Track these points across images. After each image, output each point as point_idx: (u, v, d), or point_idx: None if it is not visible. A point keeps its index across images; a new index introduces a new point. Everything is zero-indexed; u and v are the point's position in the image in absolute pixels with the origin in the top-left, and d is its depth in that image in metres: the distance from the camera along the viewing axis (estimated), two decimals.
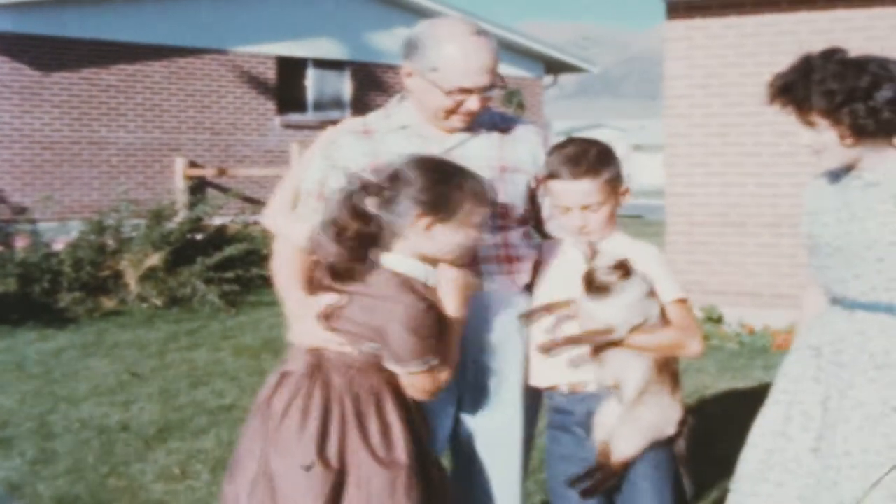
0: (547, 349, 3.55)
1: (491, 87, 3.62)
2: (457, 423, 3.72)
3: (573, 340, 3.53)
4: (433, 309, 3.22)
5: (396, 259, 3.28)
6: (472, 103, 3.59)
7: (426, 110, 3.67)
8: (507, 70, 24.13)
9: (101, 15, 18.91)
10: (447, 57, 3.54)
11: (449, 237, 3.29)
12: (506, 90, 24.22)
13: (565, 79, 28.85)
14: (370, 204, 3.27)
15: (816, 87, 3.42)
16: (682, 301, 3.66)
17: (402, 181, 3.28)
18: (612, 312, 3.46)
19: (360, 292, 3.25)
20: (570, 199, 3.58)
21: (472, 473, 3.75)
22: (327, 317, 3.32)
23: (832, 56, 3.50)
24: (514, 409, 3.77)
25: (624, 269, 3.43)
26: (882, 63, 3.47)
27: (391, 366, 3.21)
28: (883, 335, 3.50)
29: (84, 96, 18.91)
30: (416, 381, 3.24)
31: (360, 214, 3.26)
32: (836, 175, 3.66)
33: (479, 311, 3.59)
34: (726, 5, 11.19)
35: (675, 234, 11.63)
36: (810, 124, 3.49)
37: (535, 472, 5.26)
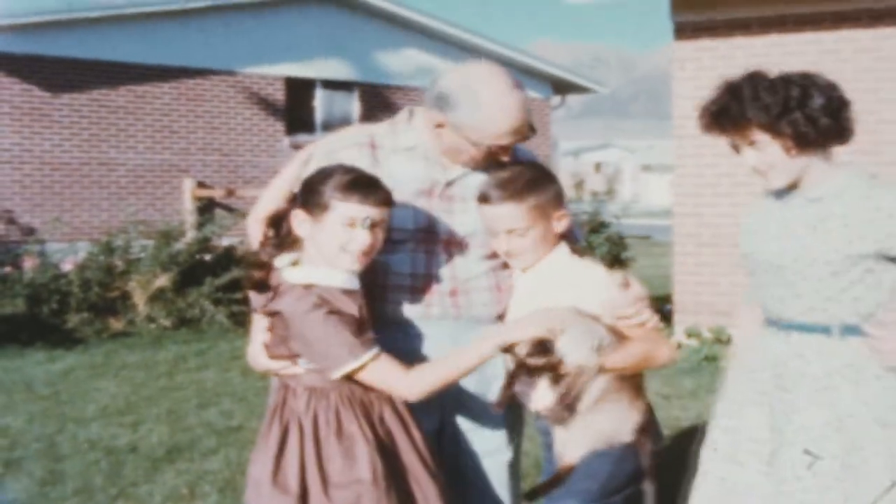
0: (559, 419, 3.51)
1: (523, 138, 3.58)
2: (441, 446, 3.67)
3: (567, 398, 3.46)
4: (337, 311, 3.21)
5: (297, 271, 3.30)
6: (503, 157, 3.57)
7: (450, 154, 3.62)
8: None
9: (110, 36, 18.95)
10: (483, 119, 3.45)
11: (317, 233, 3.29)
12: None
13: (573, 99, 28.85)
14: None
15: (751, 102, 3.41)
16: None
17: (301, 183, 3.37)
18: (573, 355, 3.40)
19: (276, 310, 3.27)
20: (494, 224, 3.57)
21: (464, 497, 3.71)
22: (267, 343, 3.37)
23: (756, 75, 3.49)
24: (499, 427, 3.78)
25: (542, 346, 3.32)
26: (803, 75, 3.47)
27: (332, 374, 3.22)
28: (820, 358, 3.50)
29: (93, 117, 18.94)
30: (372, 378, 3.23)
31: (274, 219, 3.36)
32: (778, 194, 3.64)
33: (464, 335, 3.59)
34: (733, 26, 11.21)
35: (683, 255, 11.61)
36: (752, 144, 3.47)
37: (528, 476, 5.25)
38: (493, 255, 3.69)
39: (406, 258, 3.57)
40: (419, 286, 3.61)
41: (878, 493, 3.40)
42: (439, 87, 3.53)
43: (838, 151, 3.57)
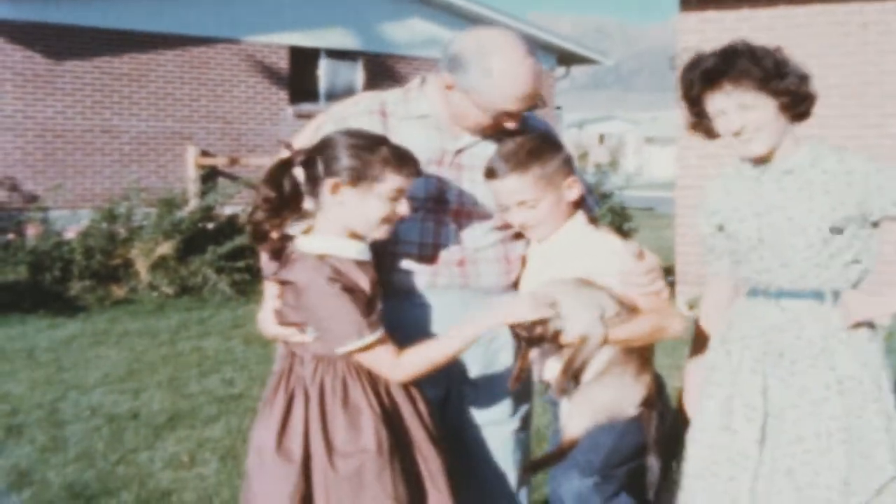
0: (563, 390, 3.50)
1: (534, 107, 3.57)
2: (446, 416, 3.66)
3: (570, 368, 3.46)
4: (351, 287, 3.21)
5: (311, 240, 3.29)
6: (510, 124, 3.55)
7: (457, 118, 3.60)
8: None
9: (113, 3, 18.89)
10: (495, 85, 3.43)
11: (358, 203, 3.27)
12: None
13: (577, 70, 28.83)
14: (297, 171, 3.31)
15: (750, 57, 3.45)
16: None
17: (321, 146, 3.31)
18: (574, 327, 3.41)
19: (287, 279, 3.27)
20: (504, 198, 3.57)
21: (469, 468, 3.70)
22: (277, 310, 3.37)
23: (738, 43, 3.56)
24: (505, 402, 3.77)
25: (538, 322, 3.33)
26: (776, 47, 3.55)
27: (336, 350, 3.22)
28: (816, 322, 3.53)
29: (96, 85, 18.90)
30: (366, 359, 3.24)
31: (270, 179, 3.30)
32: (746, 169, 3.67)
33: (472, 305, 3.58)
34: None
35: (685, 227, 11.62)
36: (743, 106, 3.46)
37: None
38: (504, 226, 3.68)
39: (415, 227, 3.55)
40: (427, 255, 3.60)
41: (881, 482, 3.43)
42: (453, 48, 3.51)
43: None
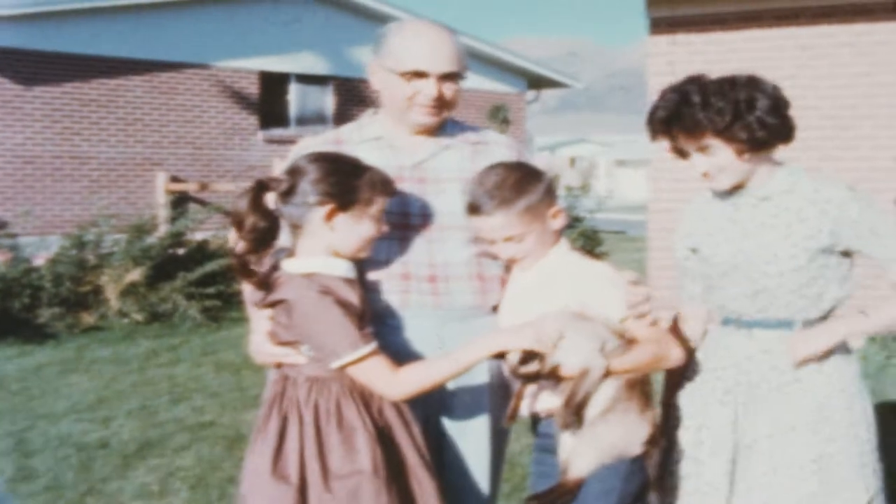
0: (566, 424, 3.44)
1: (451, 76, 3.58)
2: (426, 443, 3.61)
3: (573, 402, 3.40)
4: (343, 301, 3.20)
5: (299, 262, 3.31)
6: (430, 89, 3.55)
7: (391, 106, 3.65)
8: (491, 85, 24.25)
9: (83, 29, 18.87)
10: (402, 40, 3.57)
11: (350, 227, 3.31)
12: (491, 106, 24.26)
13: (548, 94, 28.92)
14: (269, 199, 3.32)
15: (703, 108, 3.36)
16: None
17: (299, 173, 3.31)
18: (573, 360, 3.38)
19: (279, 299, 3.26)
20: (489, 234, 3.52)
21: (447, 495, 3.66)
22: (270, 332, 3.36)
23: (700, 79, 3.45)
24: (483, 430, 3.72)
25: (534, 353, 3.28)
26: (748, 78, 3.45)
27: (331, 363, 3.20)
28: (787, 352, 3.50)
29: (66, 110, 18.86)
30: (362, 374, 3.21)
31: (257, 208, 3.28)
32: (723, 195, 3.62)
33: (445, 327, 3.57)
34: (709, 21, 11.22)
35: (658, 250, 11.62)
36: (702, 150, 3.43)
37: (519, 490, 5.22)
38: (477, 241, 3.65)
39: (382, 245, 3.51)
40: (396, 273, 3.58)
41: None
42: (375, 36, 3.68)
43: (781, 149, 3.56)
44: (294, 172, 3.32)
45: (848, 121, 10.81)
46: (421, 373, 3.26)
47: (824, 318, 3.52)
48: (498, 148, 3.81)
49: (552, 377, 3.36)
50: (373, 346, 3.20)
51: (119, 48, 19.29)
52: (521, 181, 3.50)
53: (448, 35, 3.62)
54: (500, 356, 3.35)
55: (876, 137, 10.72)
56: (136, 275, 12.35)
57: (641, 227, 13.66)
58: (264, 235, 3.30)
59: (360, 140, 3.69)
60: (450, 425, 3.69)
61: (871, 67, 10.69)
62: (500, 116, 23.96)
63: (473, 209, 3.50)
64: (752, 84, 3.41)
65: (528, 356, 3.28)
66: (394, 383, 3.23)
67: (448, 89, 3.60)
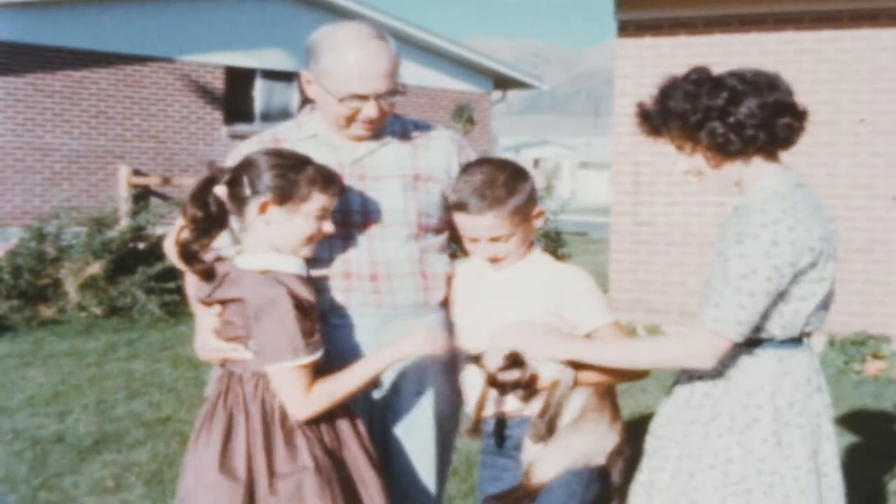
0: (540, 437, 3.41)
1: (389, 93, 3.53)
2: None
3: (546, 414, 3.39)
4: (299, 302, 3.19)
5: (249, 258, 3.29)
6: (369, 110, 3.51)
7: (327, 119, 3.62)
8: (456, 85, 24.21)
9: (47, 21, 18.75)
10: (340, 62, 3.46)
11: (285, 222, 3.29)
12: (457, 106, 24.25)
13: (513, 95, 28.96)
14: (219, 190, 3.31)
15: (669, 111, 3.26)
16: (615, 324, 3.56)
17: (244, 166, 3.31)
18: (545, 371, 3.37)
19: (232, 297, 3.25)
20: (475, 233, 3.51)
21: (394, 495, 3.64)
22: (217, 329, 3.34)
23: (689, 76, 3.30)
24: (428, 430, 3.70)
25: (515, 359, 3.30)
26: (741, 77, 3.26)
27: (268, 365, 3.19)
28: (746, 372, 3.31)
29: (28, 101, 18.74)
30: (282, 383, 3.19)
31: (197, 198, 3.28)
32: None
33: (391, 329, 3.55)
34: (677, 24, 11.27)
35: (620, 252, 11.64)
36: (680, 149, 3.34)
37: (469, 494, 5.21)
38: (418, 237, 3.65)
39: (324, 244, 3.49)
40: (338, 271, 3.56)
41: None
42: (307, 42, 3.58)
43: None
44: (240, 165, 3.32)
45: (809, 126, 10.86)
46: (325, 393, 3.22)
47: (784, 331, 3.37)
48: (440, 142, 3.80)
49: (528, 386, 3.36)
50: (312, 357, 3.18)
51: (84, 40, 19.19)
52: (510, 180, 3.49)
53: (384, 47, 3.51)
54: (476, 361, 3.35)
55: (836, 143, 10.77)
56: (95, 268, 12.25)
57: (603, 228, 13.69)
58: (204, 226, 3.29)
59: (297, 138, 3.66)
60: (394, 419, 3.66)
61: (832, 74, 10.74)
62: (464, 116, 23.97)
63: (461, 207, 3.48)
64: (744, 83, 3.25)
65: (508, 363, 3.27)
66: (304, 403, 3.20)
67: (387, 104, 3.56)
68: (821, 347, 9.87)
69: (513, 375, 3.30)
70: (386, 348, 3.32)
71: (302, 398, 3.18)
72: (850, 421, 7.69)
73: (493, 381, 3.34)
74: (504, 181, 3.47)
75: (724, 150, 3.24)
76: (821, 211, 3.26)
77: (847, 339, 9.95)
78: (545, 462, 3.43)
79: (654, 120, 3.34)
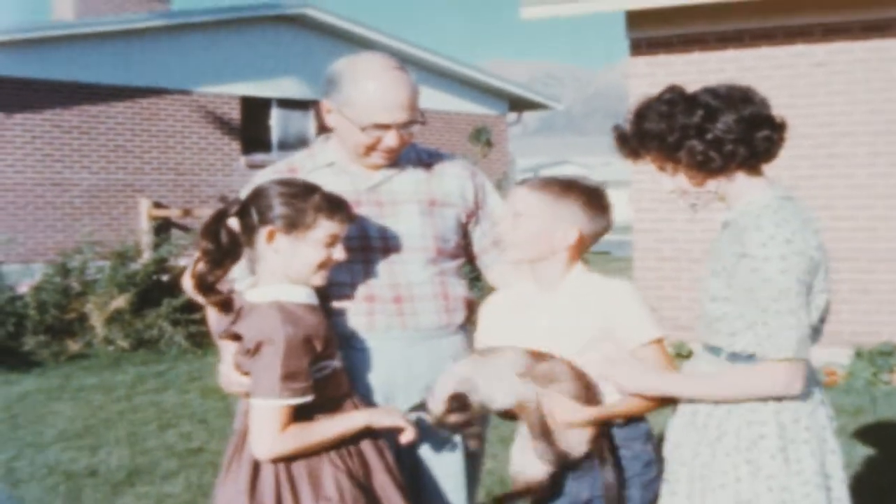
0: (550, 461, 3.40)
1: (410, 123, 3.59)
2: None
3: (536, 436, 3.39)
4: (306, 335, 3.19)
5: (259, 291, 3.30)
6: (390, 140, 3.57)
7: (346, 147, 3.67)
8: (471, 108, 24.24)
9: (63, 56, 18.86)
10: (362, 92, 3.53)
11: (293, 250, 3.30)
12: (474, 129, 24.27)
13: (528, 116, 28.95)
14: (231, 222, 3.33)
15: (647, 133, 3.25)
16: (658, 341, 3.50)
17: (253, 197, 3.34)
18: (497, 395, 3.37)
19: (240, 332, 3.26)
20: (510, 205, 3.56)
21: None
22: (236, 363, 3.34)
23: (662, 96, 3.28)
24: (457, 453, 3.71)
25: (459, 401, 3.30)
26: (715, 93, 3.25)
27: (251, 397, 3.20)
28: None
29: (47, 137, 18.84)
30: (257, 419, 3.18)
31: (208, 231, 3.30)
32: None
33: (412, 348, 3.60)
34: (690, 41, 11.29)
35: (643, 270, 11.66)
36: (661, 170, 3.33)
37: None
38: (436, 261, 3.69)
39: (344, 269, 3.52)
40: (361, 295, 3.60)
41: None
42: (328, 73, 3.65)
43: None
44: (250, 196, 3.35)
45: (825, 138, 10.87)
46: (298, 435, 3.20)
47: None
48: (453, 168, 3.87)
49: (481, 416, 3.40)
50: (294, 401, 3.16)
51: (100, 75, 19.28)
52: (566, 183, 3.56)
53: (404, 78, 3.59)
54: (421, 408, 3.37)
55: (855, 156, 10.77)
56: (120, 301, 12.31)
57: (625, 247, 13.68)
58: (217, 258, 3.31)
59: (313, 167, 3.71)
60: (422, 444, 3.66)
61: (847, 86, 10.75)
62: (482, 139, 23.98)
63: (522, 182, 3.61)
64: (717, 99, 3.23)
65: (454, 404, 3.30)
66: (272, 444, 3.17)
67: (407, 133, 3.62)
68: (847, 359, 9.84)
69: (459, 417, 3.31)
70: (366, 411, 3.34)
71: (270, 439, 3.16)
72: (880, 432, 7.66)
73: (440, 425, 3.36)
74: (561, 179, 3.59)
75: (705, 167, 3.22)
76: (811, 223, 3.22)
77: (875, 350, 9.91)
78: (528, 465, 3.45)
79: (631, 142, 3.34)
